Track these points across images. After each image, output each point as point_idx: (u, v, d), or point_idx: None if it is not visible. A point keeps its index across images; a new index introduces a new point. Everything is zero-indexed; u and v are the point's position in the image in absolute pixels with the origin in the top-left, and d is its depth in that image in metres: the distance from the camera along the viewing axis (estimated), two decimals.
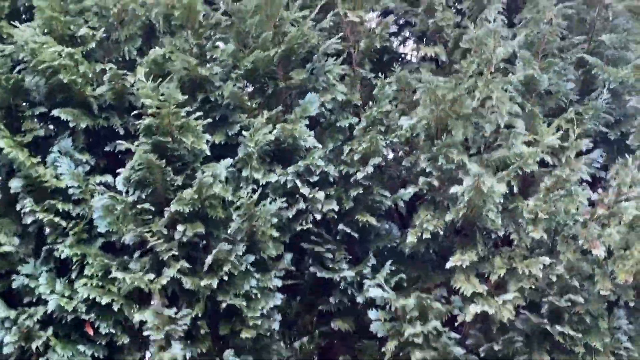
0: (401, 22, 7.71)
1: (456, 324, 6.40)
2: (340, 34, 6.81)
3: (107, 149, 6.50)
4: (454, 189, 6.19)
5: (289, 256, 6.44)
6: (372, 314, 6.34)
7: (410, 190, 6.52)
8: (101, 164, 6.52)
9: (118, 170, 6.21)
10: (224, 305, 6.10)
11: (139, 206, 6.08)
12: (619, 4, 6.64)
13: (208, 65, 6.61)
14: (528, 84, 6.55)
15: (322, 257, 6.46)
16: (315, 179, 6.40)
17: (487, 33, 6.39)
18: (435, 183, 6.43)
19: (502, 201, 6.21)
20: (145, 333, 5.98)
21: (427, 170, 6.40)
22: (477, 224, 6.38)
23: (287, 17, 6.66)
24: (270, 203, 6.16)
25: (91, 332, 6.12)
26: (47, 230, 6.21)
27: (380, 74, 6.71)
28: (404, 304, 6.17)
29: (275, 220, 6.17)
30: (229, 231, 6.15)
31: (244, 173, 6.37)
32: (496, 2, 6.79)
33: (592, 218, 6.31)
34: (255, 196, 6.07)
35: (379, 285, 6.29)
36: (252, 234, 6.20)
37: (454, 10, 7.38)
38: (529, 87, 6.56)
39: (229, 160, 6.33)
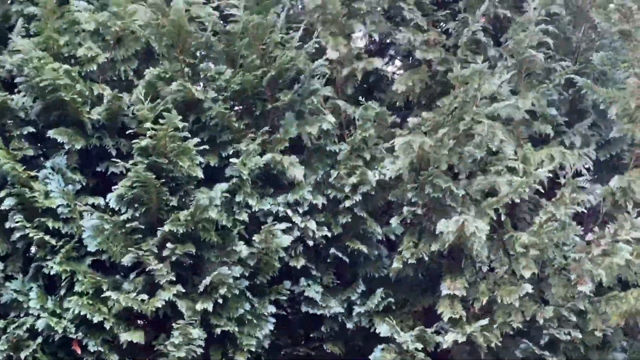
0: (388, 41, 7.82)
1: (439, 350, 6.50)
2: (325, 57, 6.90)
3: (98, 169, 6.50)
4: (439, 226, 6.28)
5: (287, 283, 6.55)
6: (376, 352, 6.48)
7: (395, 220, 6.62)
8: (91, 183, 6.50)
9: (113, 187, 6.21)
10: (218, 330, 6.15)
11: (128, 225, 6.09)
12: (607, 23, 6.71)
13: (201, 86, 6.66)
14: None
15: (313, 298, 6.55)
16: (305, 208, 6.53)
17: (472, 73, 6.52)
18: (420, 212, 6.53)
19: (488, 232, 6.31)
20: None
21: (413, 200, 6.50)
22: (463, 251, 6.50)
23: (274, 40, 6.73)
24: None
25: (79, 351, 6.10)
26: (36, 248, 6.18)
27: (362, 99, 6.82)
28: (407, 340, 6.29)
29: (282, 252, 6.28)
30: (236, 257, 6.21)
31: (237, 198, 6.42)
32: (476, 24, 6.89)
33: (586, 255, 6.41)
34: (273, 228, 6.20)
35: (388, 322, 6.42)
36: (258, 261, 6.30)
37: (440, 30, 7.43)
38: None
39: (224, 185, 6.38)
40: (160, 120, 6.11)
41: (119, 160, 6.26)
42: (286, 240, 6.27)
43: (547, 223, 6.31)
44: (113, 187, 6.22)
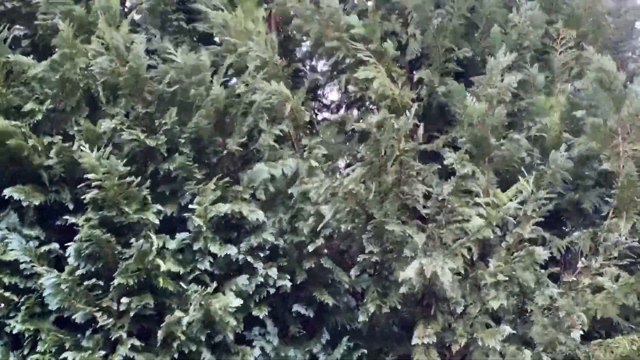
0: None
1: None
2: None
3: (58, 222, 6.40)
4: (401, 275, 5.95)
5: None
6: None
7: (354, 271, 6.33)
8: (53, 237, 6.38)
9: (68, 244, 6.11)
10: None
11: (86, 282, 5.98)
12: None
13: (156, 135, 6.51)
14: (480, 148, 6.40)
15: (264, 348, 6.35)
16: (267, 252, 6.35)
17: None
18: (375, 259, 6.25)
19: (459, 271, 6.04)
20: None
21: (368, 250, 6.21)
22: (435, 294, 6.19)
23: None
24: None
25: None
26: None
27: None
28: None
29: (234, 308, 6.06)
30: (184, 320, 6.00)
31: (196, 246, 6.26)
32: None
33: (575, 287, 6.15)
34: (211, 289, 6.02)
35: None
36: (211, 321, 6.10)
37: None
38: (481, 151, 6.39)
39: (184, 234, 6.26)
40: (104, 170, 6.02)
41: (69, 218, 6.17)
42: (235, 302, 6.04)
43: (516, 246, 6.06)
44: (69, 243, 6.12)
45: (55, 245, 6.28)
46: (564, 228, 6.94)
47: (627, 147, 6.34)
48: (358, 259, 6.24)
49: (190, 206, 6.34)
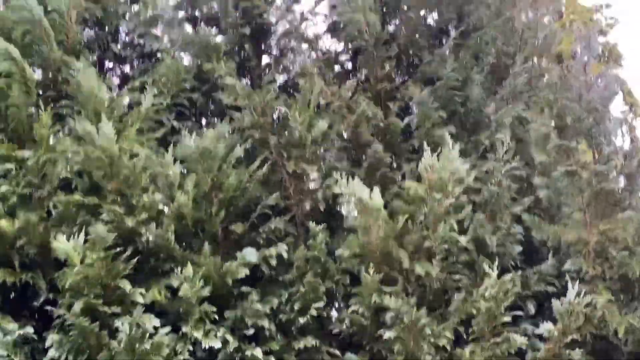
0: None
1: None
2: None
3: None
4: (387, 334, 6.03)
5: None
6: None
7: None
8: (29, 325, 6.00)
9: (46, 334, 5.84)
10: None
11: None
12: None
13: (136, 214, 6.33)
14: (478, 245, 6.49)
15: None
16: (251, 331, 6.23)
17: None
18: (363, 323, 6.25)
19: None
20: None
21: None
22: None
23: (225, 169, 6.55)
24: None
25: None
26: None
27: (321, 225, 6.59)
28: None
29: None
30: None
31: (183, 329, 6.09)
32: None
33: None
34: None
35: None
36: None
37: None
38: (479, 249, 6.47)
39: (167, 328, 6.05)
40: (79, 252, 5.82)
41: (50, 308, 5.94)
42: None
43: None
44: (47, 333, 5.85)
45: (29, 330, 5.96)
46: None
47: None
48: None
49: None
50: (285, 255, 6.50)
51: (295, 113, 6.87)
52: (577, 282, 6.28)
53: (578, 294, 6.11)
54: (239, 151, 6.74)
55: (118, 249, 6.07)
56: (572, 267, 6.59)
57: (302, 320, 6.34)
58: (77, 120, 6.35)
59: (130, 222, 6.24)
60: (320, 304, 6.39)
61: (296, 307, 6.37)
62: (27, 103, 6.57)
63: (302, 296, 6.38)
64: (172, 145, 6.68)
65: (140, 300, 6.03)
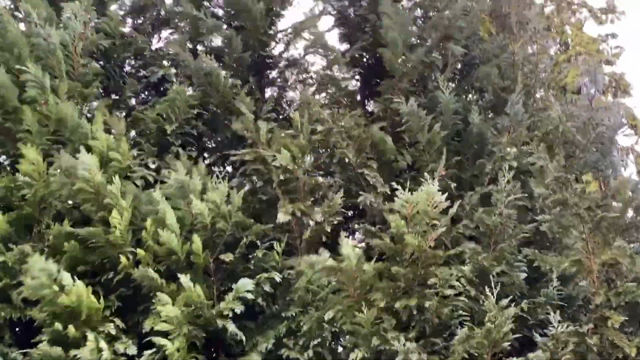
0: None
1: None
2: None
3: None
4: None
5: None
6: None
7: None
8: None
9: None
10: None
11: None
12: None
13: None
14: (481, 276, 6.43)
15: None
16: None
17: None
18: None
19: None
20: None
21: None
22: None
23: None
24: None
25: None
26: None
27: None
28: None
29: None
30: None
31: None
32: None
33: None
34: None
35: None
36: None
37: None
38: (483, 279, 6.41)
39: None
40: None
41: None
42: None
43: None
44: None
45: None
46: None
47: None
48: None
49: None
50: (278, 279, 6.43)
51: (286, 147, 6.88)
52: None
53: (559, 322, 6.01)
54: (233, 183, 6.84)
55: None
56: (580, 294, 6.54)
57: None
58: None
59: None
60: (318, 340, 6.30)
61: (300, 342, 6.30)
62: None
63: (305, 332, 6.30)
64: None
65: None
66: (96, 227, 6.24)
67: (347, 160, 7.29)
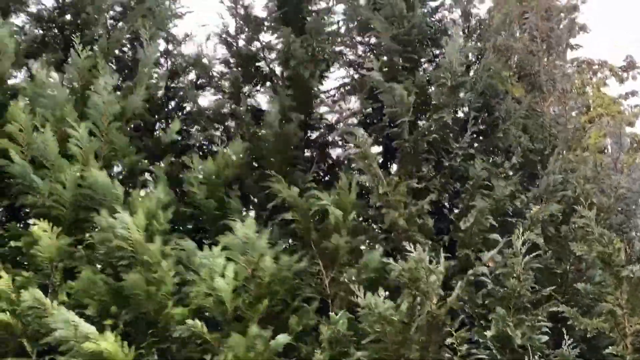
0: None
1: None
2: None
3: None
4: None
5: None
6: None
7: None
8: None
9: None
10: None
11: None
12: (591, 254, 6.59)
13: None
14: (502, 340, 6.40)
15: None
16: None
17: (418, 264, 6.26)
18: None
19: None
20: None
21: None
22: None
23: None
24: None
25: None
26: None
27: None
28: None
29: None
30: None
31: None
32: None
33: None
34: None
35: None
36: None
37: None
38: (503, 343, 6.39)
39: None
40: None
41: None
42: None
43: None
44: None
45: None
46: None
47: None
48: None
49: None
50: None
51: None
52: None
53: None
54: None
55: None
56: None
57: None
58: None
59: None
60: None
61: None
62: None
63: None
64: None
65: None
66: None
67: None
